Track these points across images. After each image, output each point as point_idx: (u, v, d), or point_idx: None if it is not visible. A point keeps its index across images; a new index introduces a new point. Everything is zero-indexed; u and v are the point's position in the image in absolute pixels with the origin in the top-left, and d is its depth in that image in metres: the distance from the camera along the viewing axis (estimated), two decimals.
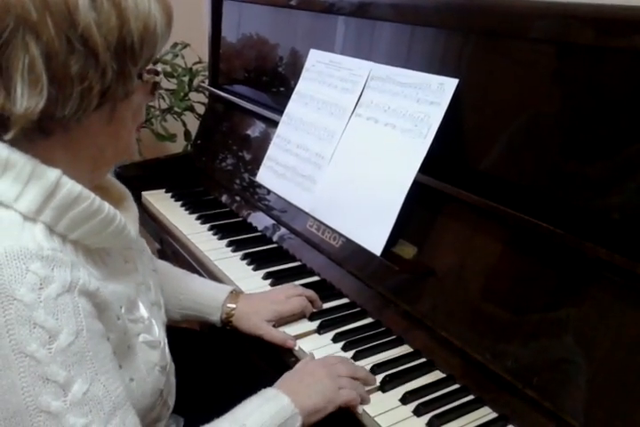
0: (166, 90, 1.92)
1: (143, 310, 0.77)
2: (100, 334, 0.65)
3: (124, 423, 0.64)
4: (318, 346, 0.98)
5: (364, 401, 0.86)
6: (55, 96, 0.61)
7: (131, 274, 0.78)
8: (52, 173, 0.63)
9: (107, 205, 0.69)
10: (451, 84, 1.00)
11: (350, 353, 0.96)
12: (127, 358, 0.72)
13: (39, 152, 0.64)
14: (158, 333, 0.79)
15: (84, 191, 0.65)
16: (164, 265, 1.09)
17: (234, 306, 1.03)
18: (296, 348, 0.98)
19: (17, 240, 0.60)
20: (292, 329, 1.02)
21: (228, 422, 0.75)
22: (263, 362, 1.06)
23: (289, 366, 0.95)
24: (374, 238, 1.06)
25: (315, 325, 1.03)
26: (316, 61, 1.30)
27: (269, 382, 0.84)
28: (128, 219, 0.75)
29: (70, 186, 0.64)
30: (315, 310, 1.06)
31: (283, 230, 1.31)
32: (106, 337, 0.66)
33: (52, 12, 0.59)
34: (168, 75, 1.90)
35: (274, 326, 1.02)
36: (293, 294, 1.06)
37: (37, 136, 0.64)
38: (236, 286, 1.12)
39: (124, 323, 0.71)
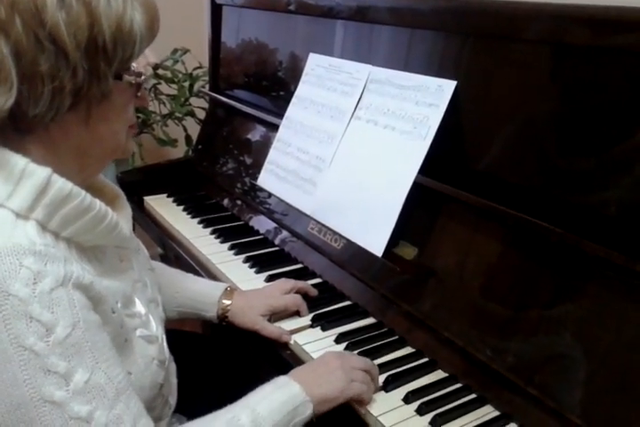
0: (167, 95, 1.93)
1: (140, 306, 0.78)
2: (97, 324, 0.66)
3: (128, 407, 0.65)
4: (320, 347, 0.98)
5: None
6: (26, 94, 0.62)
7: (126, 272, 0.79)
8: (43, 172, 0.64)
9: (98, 203, 0.69)
10: (449, 86, 1.01)
11: None
12: (125, 352, 0.73)
13: (22, 151, 0.65)
14: (156, 328, 0.80)
15: (74, 189, 0.66)
16: (159, 265, 1.10)
17: (229, 302, 1.04)
18: (291, 342, 1.00)
19: (9, 237, 0.61)
20: (295, 334, 1.02)
21: (240, 407, 0.77)
22: (260, 358, 1.07)
23: (285, 361, 0.97)
24: (375, 240, 1.06)
25: (317, 326, 1.04)
26: (316, 65, 1.31)
27: None
28: (122, 218, 0.76)
29: (61, 184, 0.65)
30: (309, 312, 1.07)
31: (284, 233, 1.32)
32: (103, 328, 0.67)
33: (19, 11, 0.59)
34: (169, 80, 1.91)
35: (269, 320, 1.03)
36: (287, 289, 1.07)
37: (16, 135, 0.65)
38: (239, 289, 1.13)
39: (120, 317, 0.72)
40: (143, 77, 0.73)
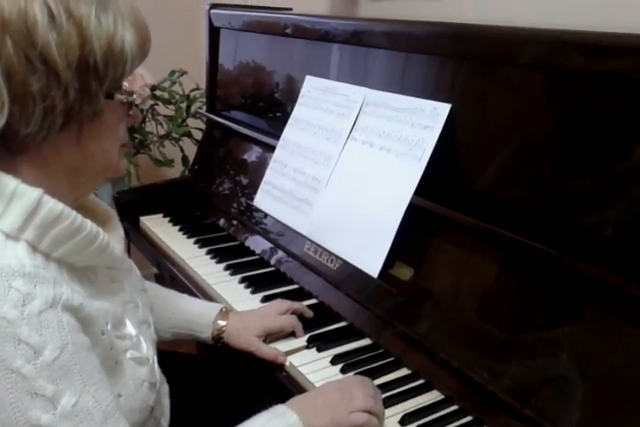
0: (164, 116, 1.94)
1: (131, 328, 0.77)
2: (86, 347, 0.65)
3: None
4: (316, 368, 0.98)
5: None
6: (17, 115, 0.62)
7: (117, 293, 0.79)
8: (34, 193, 0.64)
9: (89, 223, 0.69)
10: (444, 108, 1.02)
11: (348, 376, 0.96)
12: (115, 374, 0.72)
13: (13, 171, 0.65)
14: (147, 350, 0.80)
15: (65, 210, 0.66)
16: (153, 286, 1.09)
17: (224, 323, 1.04)
18: (287, 363, 0.99)
19: None
20: (290, 355, 1.01)
21: None
22: (256, 379, 1.06)
23: (281, 382, 0.97)
24: (371, 261, 1.07)
25: (313, 347, 1.03)
26: (312, 88, 1.32)
27: (267, 406, 0.83)
28: (114, 238, 0.76)
29: (52, 204, 0.65)
30: (305, 333, 1.07)
31: (280, 254, 1.32)
32: (92, 350, 0.66)
33: (10, 32, 0.60)
34: (166, 101, 1.93)
35: (264, 341, 1.02)
36: (283, 310, 1.07)
37: (7, 155, 0.66)
38: (234, 310, 1.12)
39: (110, 339, 0.71)
40: (134, 96, 0.73)
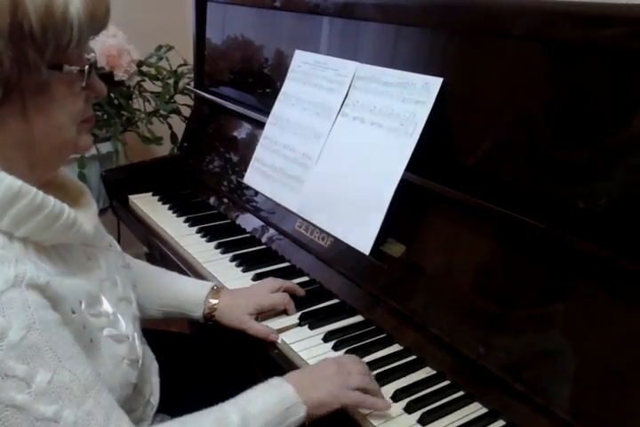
0: (151, 93, 1.91)
1: (107, 306, 0.76)
2: (57, 323, 0.64)
3: (98, 403, 0.64)
4: (309, 346, 0.98)
5: (377, 403, 0.84)
6: None
7: (93, 270, 0.77)
8: None
9: (51, 200, 0.67)
10: (435, 82, 1.01)
11: (341, 352, 0.96)
12: (91, 352, 0.71)
13: None
14: (125, 327, 0.78)
15: (24, 187, 0.64)
16: (142, 264, 1.08)
17: (216, 301, 1.03)
18: (279, 341, 0.99)
19: None
20: (282, 333, 1.01)
21: (231, 406, 0.76)
22: (248, 357, 1.06)
23: (274, 360, 0.97)
24: (363, 238, 1.06)
25: (305, 325, 1.03)
26: (302, 62, 1.30)
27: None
28: (87, 215, 0.74)
29: (9, 182, 0.63)
30: (297, 311, 1.07)
31: (271, 231, 1.31)
32: (64, 325, 0.65)
33: None
34: (153, 77, 1.89)
35: (256, 319, 1.02)
36: (275, 288, 1.06)
37: None
38: (226, 288, 1.12)
39: (83, 317, 0.70)
40: (86, 67, 0.67)
